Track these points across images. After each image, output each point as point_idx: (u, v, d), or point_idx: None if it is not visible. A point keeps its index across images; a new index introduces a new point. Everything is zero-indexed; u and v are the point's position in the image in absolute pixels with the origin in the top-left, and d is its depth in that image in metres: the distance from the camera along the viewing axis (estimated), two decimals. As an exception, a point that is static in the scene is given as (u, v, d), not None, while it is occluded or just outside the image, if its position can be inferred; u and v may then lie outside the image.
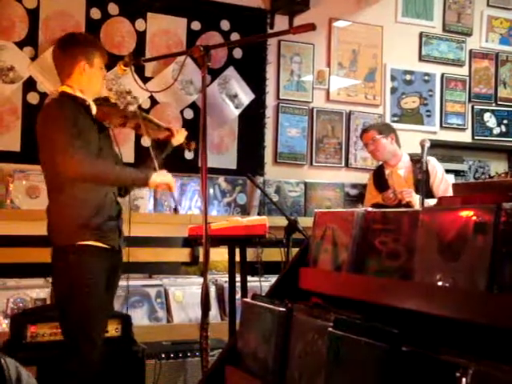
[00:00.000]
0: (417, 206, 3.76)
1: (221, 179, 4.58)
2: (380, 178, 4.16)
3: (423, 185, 3.46)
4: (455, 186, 1.67)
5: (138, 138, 4.20)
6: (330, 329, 1.39)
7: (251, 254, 3.69)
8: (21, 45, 4.07)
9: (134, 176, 2.74)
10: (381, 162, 4.23)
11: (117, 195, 2.86)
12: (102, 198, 2.72)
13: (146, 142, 2.92)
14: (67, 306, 2.68)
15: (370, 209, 1.64)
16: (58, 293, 2.75)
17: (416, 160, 4.02)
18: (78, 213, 2.66)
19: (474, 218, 1.26)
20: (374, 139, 4.04)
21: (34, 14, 4.10)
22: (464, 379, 1.07)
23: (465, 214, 1.29)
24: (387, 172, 4.11)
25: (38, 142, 2.71)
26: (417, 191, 3.84)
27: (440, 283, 1.30)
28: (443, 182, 3.95)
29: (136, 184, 2.85)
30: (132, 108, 2.89)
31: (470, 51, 5.56)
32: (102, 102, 2.83)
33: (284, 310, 1.62)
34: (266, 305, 1.71)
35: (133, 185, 2.89)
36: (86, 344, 2.64)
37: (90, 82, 2.74)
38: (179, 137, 3.02)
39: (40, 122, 2.70)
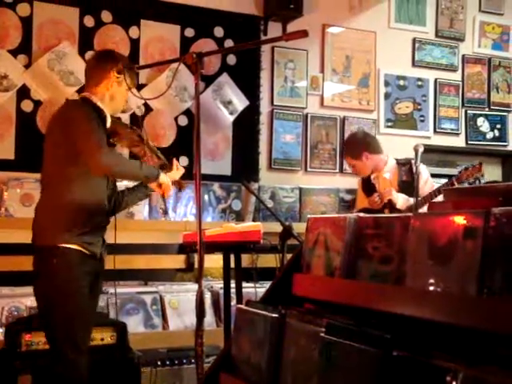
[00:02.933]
0: (398, 204, 3.84)
1: (215, 186, 4.58)
2: (367, 183, 4.22)
3: (417, 189, 3.49)
4: (446, 191, 1.67)
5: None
6: (323, 334, 1.40)
7: (246, 260, 3.69)
8: (14, 53, 4.08)
9: (148, 172, 2.78)
10: None
11: (108, 206, 2.86)
12: (94, 205, 2.74)
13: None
14: (51, 310, 2.67)
15: (361, 214, 1.65)
16: (40, 296, 2.72)
17: (402, 163, 4.09)
18: (67, 216, 2.67)
19: (464, 222, 1.27)
20: (351, 165, 4.17)
21: (27, 22, 4.11)
22: (454, 383, 1.08)
23: (455, 219, 1.29)
24: (373, 176, 4.16)
25: (47, 140, 2.75)
26: (400, 191, 3.94)
27: (431, 288, 1.31)
28: (428, 183, 3.99)
29: (150, 178, 2.83)
30: (140, 134, 2.89)
31: (463, 56, 5.59)
32: (115, 120, 2.88)
33: (277, 315, 1.63)
34: (260, 311, 1.71)
35: (145, 178, 2.86)
36: (70, 349, 2.62)
37: (113, 98, 2.81)
38: (175, 174, 3.01)
39: (57, 120, 2.74)
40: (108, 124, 2.79)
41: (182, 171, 3.06)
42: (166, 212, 3.01)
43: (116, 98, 2.82)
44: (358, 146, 4.17)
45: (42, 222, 2.72)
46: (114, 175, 2.80)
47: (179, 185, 3.08)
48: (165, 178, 2.82)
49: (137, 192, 3.02)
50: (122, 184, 3.36)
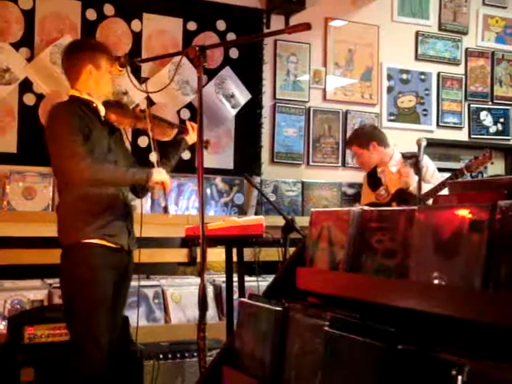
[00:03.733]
0: (412, 186, 3.80)
1: (218, 179, 4.58)
2: (373, 177, 4.20)
3: (420, 183, 3.47)
4: (451, 184, 1.66)
5: (134, 136, 4.20)
6: (327, 328, 1.39)
7: (248, 253, 3.69)
8: (16, 46, 4.06)
9: (136, 177, 2.74)
10: None
11: (127, 195, 2.86)
12: (110, 197, 2.74)
13: (153, 156, 2.87)
14: (72, 304, 2.68)
15: (365, 207, 1.64)
16: (63, 291, 2.75)
17: (407, 156, 4.06)
18: (84, 211, 2.68)
19: (470, 216, 1.26)
20: (356, 154, 4.14)
21: (29, 15, 4.10)
22: (460, 377, 1.08)
23: (460, 212, 1.29)
24: (379, 170, 4.14)
25: (47, 144, 2.74)
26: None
27: (436, 281, 1.31)
28: (434, 176, 3.98)
29: (138, 184, 2.85)
30: (142, 107, 2.89)
31: (466, 50, 5.57)
32: (111, 104, 2.86)
33: (280, 309, 1.62)
34: (263, 304, 1.71)
35: (136, 184, 2.89)
36: (89, 343, 2.62)
37: (97, 84, 2.78)
38: (194, 136, 2.96)
39: (47, 126, 2.76)
40: (102, 113, 2.77)
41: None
42: (166, 209, 2.98)
43: (100, 83, 2.79)
44: (366, 135, 4.19)
45: (62, 221, 2.73)
46: (96, 185, 2.70)
47: (205, 144, 2.98)
48: (159, 175, 2.74)
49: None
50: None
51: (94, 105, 2.76)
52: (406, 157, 4.09)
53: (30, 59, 4.08)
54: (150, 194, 4.33)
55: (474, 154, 5.65)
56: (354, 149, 4.19)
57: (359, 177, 4.80)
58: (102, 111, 2.78)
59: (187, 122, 3.02)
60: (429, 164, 4.05)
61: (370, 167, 4.18)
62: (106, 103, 2.83)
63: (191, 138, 2.98)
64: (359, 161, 4.20)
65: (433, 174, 4.00)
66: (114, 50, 4.20)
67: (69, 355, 2.69)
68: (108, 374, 2.66)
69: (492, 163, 3.66)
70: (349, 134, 5.07)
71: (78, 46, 2.86)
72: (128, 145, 3.00)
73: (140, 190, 3.02)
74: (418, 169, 3.79)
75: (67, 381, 2.68)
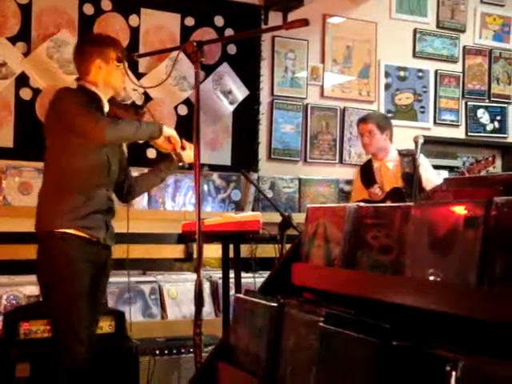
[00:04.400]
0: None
1: (215, 175, 4.57)
2: (368, 173, 4.15)
3: (416, 180, 3.47)
4: (447, 180, 1.67)
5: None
6: (322, 324, 1.39)
7: (245, 250, 3.68)
8: (13, 40, 4.05)
9: (151, 127, 2.76)
10: (369, 157, 4.23)
11: (111, 191, 2.85)
12: (92, 190, 2.71)
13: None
14: (49, 297, 2.67)
15: (361, 204, 1.64)
16: (41, 284, 2.73)
17: (404, 154, 4.04)
18: (64, 200, 2.65)
19: (465, 212, 1.26)
20: (370, 132, 4.03)
21: (26, 10, 4.08)
22: (454, 373, 1.08)
23: (456, 208, 1.29)
24: (376, 165, 4.11)
25: (47, 126, 2.74)
26: (404, 183, 3.87)
27: (431, 278, 1.31)
28: (433, 176, 3.97)
29: (153, 132, 2.78)
30: (148, 117, 2.88)
31: (464, 48, 5.57)
32: (116, 103, 2.85)
33: (276, 305, 1.62)
34: (258, 300, 1.71)
35: (150, 134, 2.80)
36: (68, 336, 2.60)
37: (107, 78, 2.77)
38: (191, 153, 2.86)
39: (53, 104, 2.73)
40: (106, 109, 2.77)
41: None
42: (184, 165, 2.93)
43: (110, 77, 2.78)
44: (387, 121, 4.19)
45: (40, 209, 2.71)
46: (114, 139, 2.71)
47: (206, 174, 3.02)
48: (169, 129, 2.78)
49: (151, 177, 3.02)
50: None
51: (101, 100, 2.76)
52: (402, 154, 4.08)
53: (26, 54, 4.07)
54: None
55: (471, 151, 5.70)
56: (370, 126, 4.04)
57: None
58: (106, 107, 2.78)
59: (183, 140, 2.94)
60: (425, 164, 4.02)
61: (372, 151, 4.10)
62: (110, 101, 2.82)
63: (188, 155, 2.91)
64: (367, 140, 4.05)
65: (431, 174, 3.98)
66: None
67: (53, 350, 2.68)
68: (90, 368, 2.65)
69: (494, 167, 3.65)
70: (346, 131, 5.07)
71: (87, 41, 2.90)
72: (125, 147, 2.98)
73: (126, 192, 2.99)
74: (414, 166, 3.79)
75: (52, 376, 2.67)
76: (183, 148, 2.91)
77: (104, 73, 2.77)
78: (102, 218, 2.75)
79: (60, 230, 2.62)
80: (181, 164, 2.99)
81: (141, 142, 3.02)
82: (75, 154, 2.67)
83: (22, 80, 4.06)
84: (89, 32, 4.16)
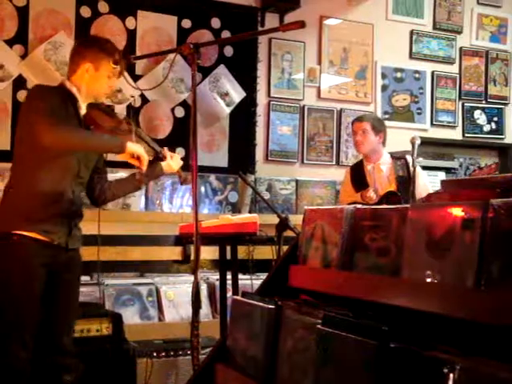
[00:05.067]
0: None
1: (212, 177, 4.57)
2: (359, 175, 4.09)
3: (414, 181, 3.47)
4: (444, 182, 1.67)
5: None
6: (319, 326, 1.39)
7: (242, 251, 3.68)
8: (10, 43, 4.05)
9: (111, 142, 2.63)
10: (361, 158, 4.21)
11: (78, 194, 2.76)
12: (56, 193, 2.64)
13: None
14: None
15: (359, 206, 1.64)
16: None
17: (397, 157, 4.04)
18: (25, 202, 2.60)
19: (462, 214, 1.27)
20: (364, 131, 4.02)
21: (23, 12, 4.08)
22: (451, 375, 1.08)
23: (453, 210, 1.29)
24: (369, 167, 4.06)
25: (18, 122, 2.69)
26: (398, 187, 3.85)
27: (428, 279, 1.31)
28: (425, 190, 3.92)
29: (111, 148, 2.66)
30: (128, 122, 2.77)
31: (461, 49, 5.58)
32: (99, 108, 2.77)
33: (273, 307, 1.62)
34: (256, 302, 1.71)
35: (107, 148, 2.71)
36: (12, 339, 2.54)
37: (90, 84, 2.72)
38: (172, 164, 2.86)
39: (25, 99, 2.72)
40: (82, 111, 2.70)
41: (179, 161, 2.91)
42: (185, 180, 2.89)
43: (94, 84, 2.71)
44: (383, 124, 4.17)
45: (0, 209, 2.65)
46: (63, 146, 2.59)
47: (180, 177, 2.92)
48: (134, 147, 2.60)
49: (125, 183, 2.93)
50: (112, 175, 3.32)
51: (78, 102, 2.69)
52: (394, 157, 4.06)
53: (24, 56, 4.07)
54: (144, 192, 4.34)
55: (467, 152, 5.71)
56: (364, 125, 4.03)
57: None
58: (83, 110, 2.71)
59: (165, 149, 2.89)
60: (421, 175, 3.96)
61: (364, 151, 4.07)
62: (93, 105, 2.75)
63: (168, 165, 2.85)
64: (360, 138, 4.02)
65: (425, 187, 3.91)
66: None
67: None
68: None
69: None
70: (343, 132, 5.08)
71: (86, 42, 2.85)
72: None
73: (97, 196, 2.90)
74: (407, 170, 3.78)
75: None
76: (162, 159, 2.84)
77: (89, 78, 2.71)
78: (65, 221, 2.66)
79: (17, 232, 2.55)
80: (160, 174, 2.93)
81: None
82: (41, 155, 2.60)
83: (20, 82, 4.05)
84: (87, 34, 4.16)
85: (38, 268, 2.59)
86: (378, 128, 4.06)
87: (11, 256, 2.57)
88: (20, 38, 4.07)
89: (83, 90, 2.72)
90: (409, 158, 3.90)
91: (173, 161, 2.88)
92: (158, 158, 2.86)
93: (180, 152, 4.42)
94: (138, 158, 2.62)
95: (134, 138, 2.70)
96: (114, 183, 2.95)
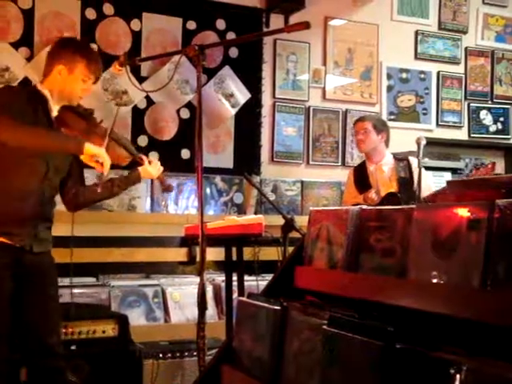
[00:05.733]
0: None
1: (217, 178, 4.58)
2: (361, 176, 4.09)
3: (420, 182, 3.46)
4: (450, 182, 1.67)
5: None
6: (325, 327, 1.39)
7: (248, 252, 3.68)
8: (16, 45, 4.06)
9: (68, 141, 2.56)
10: (363, 159, 4.21)
11: (49, 196, 2.70)
12: (19, 195, 2.59)
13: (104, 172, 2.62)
14: None
15: (364, 206, 1.64)
16: None
17: (399, 158, 4.03)
18: None
19: (468, 214, 1.26)
20: (365, 130, 4.03)
21: (28, 15, 4.10)
22: (458, 376, 1.07)
23: (459, 210, 1.29)
24: (371, 168, 4.06)
25: None
26: (399, 188, 3.85)
27: (434, 280, 1.30)
28: (428, 190, 3.91)
29: (69, 148, 2.59)
30: (101, 126, 2.70)
31: (466, 49, 5.57)
32: (74, 111, 2.70)
33: (279, 308, 1.62)
34: (262, 303, 1.71)
35: (65, 148, 2.62)
36: None
37: (62, 87, 2.65)
38: (151, 170, 2.80)
39: None
40: (53, 113, 2.65)
41: (158, 168, 2.82)
42: (167, 187, 2.84)
43: (66, 87, 2.64)
44: (384, 124, 4.19)
45: None
46: (16, 143, 2.49)
47: (161, 183, 2.85)
48: (95, 149, 2.52)
49: (101, 189, 2.81)
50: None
51: (48, 104, 2.65)
52: (397, 158, 4.05)
53: (29, 58, 4.08)
54: (150, 194, 4.34)
55: (473, 153, 5.69)
56: (366, 124, 4.04)
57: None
58: (54, 112, 2.66)
59: (141, 155, 2.82)
60: (426, 177, 3.96)
61: (365, 150, 4.07)
62: (67, 107, 2.68)
63: (146, 171, 2.79)
64: (362, 138, 4.03)
65: (428, 187, 3.91)
66: (113, 49, 4.26)
67: None
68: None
69: (493, 174, 3.63)
70: (348, 133, 5.07)
71: (62, 43, 2.73)
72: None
73: (69, 200, 2.84)
74: (409, 171, 3.77)
75: None
76: (142, 163, 2.78)
77: (62, 80, 2.64)
78: (30, 224, 2.61)
79: None
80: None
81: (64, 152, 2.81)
82: (7, 158, 2.56)
83: (25, 85, 4.06)
84: (92, 36, 4.18)
85: (3, 269, 2.55)
86: (380, 128, 4.06)
87: None
88: (25, 41, 4.09)
89: (55, 92, 2.66)
90: (412, 159, 3.90)
91: (151, 167, 2.82)
92: (136, 164, 2.78)
93: (185, 153, 4.44)
94: (97, 161, 2.54)
95: (106, 142, 2.63)
96: (90, 188, 2.85)
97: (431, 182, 3.99)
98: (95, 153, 2.53)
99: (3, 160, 2.57)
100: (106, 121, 2.77)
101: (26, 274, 2.64)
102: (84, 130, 2.66)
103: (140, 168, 2.80)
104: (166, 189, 2.90)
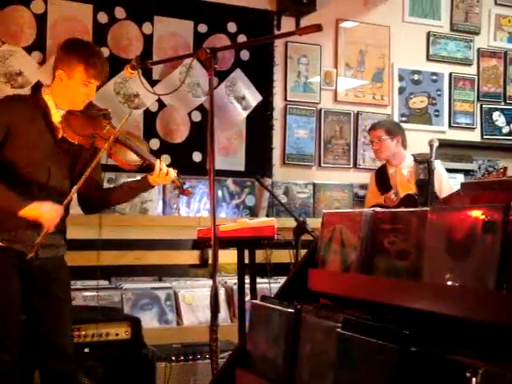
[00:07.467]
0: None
1: (229, 181, 4.58)
2: (382, 178, 4.15)
3: (432, 184, 3.45)
4: (464, 184, 1.66)
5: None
6: (339, 330, 1.39)
7: (260, 255, 3.68)
8: (29, 50, 4.09)
9: (11, 201, 2.54)
10: (383, 162, 4.23)
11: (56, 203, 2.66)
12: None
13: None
14: None
15: (378, 209, 1.64)
16: None
17: (420, 160, 4.03)
18: None
19: (483, 217, 1.25)
20: (380, 139, 4.04)
21: (41, 19, 4.12)
22: (474, 379, 1.07)
23: (473, 213, 1.28)
24: (391, 171, 4.11)
25: None
26: (418, 190, 3.85)
27: (449, 283, 1.30)
28: (448, 188, 3.92)
29: (11, 207, 2.55)
30: (109, 129, 2.65)
31: (478, 50, 5.54)
32: (80, 112, 2.68)
33: (293, 311, 1.62)
34: (275, 306, 1.71)
35: (6, 207, 2.57)
36: None
37: (64, 92, 2.63)
38: (158, 179, 2.70)
39: None
40: (56, 119, 2.65)
41: (172, 173, 2.73)
42: (185, 191, 2.81)
43: (67, 92, 2.62)
44: (398, 126, 4.22)
45: None
46: None
47: (182, 190, 2.79)
48: (34, 209, 2.50)
49: (119, 192, 2.84)
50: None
51: (48, 108, 2.64)
52: (417, 160, 4.05)
53: (42, 63, 4.11)
54: (162, 196, 4.36)
55: (486, 154, 5.65)
56: (379, 132, 4.07)
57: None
58: (57, 117, 2.65)
59: (154, 160, 2.71)
60: (443, 174, 4.00)
61: (384, 158, 4.13)
62: (75, 111, 2.66)
63: (153, 179, 2.70)
64: (378, 147, 4.07)
65: (446, 180, 3.96)
66: (125, 52, 4.27)
67: None
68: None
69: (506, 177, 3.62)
70: (360, 135, 5.06)
71: (64, 47, 2.68)
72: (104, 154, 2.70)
73: (84, 203, 2.84)
74: (429, 172, 3.76)
75: None
76: (150, 170, 2.70)
77: (63, 86, 2.62)
78: (32, 231, 2.58)
79: None
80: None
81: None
82: (8, 167, 2.58)
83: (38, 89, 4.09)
84: (104, 40, 4.20)
85: (11, 273, 2.59)
86: (394, 132, 4.06)
87: None
88: (38, 45, 4.11)
89: (58, 97, 2.66)
90: (436, 162, 3.87)
91: (159, 177, 2.70)
92: (145, 169, 2.72)
93: (197, 156, 4.45)
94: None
95: (108, 146, 2.60)
96: (109, 191, 2.88)
97: (449, 186, 3.98)
98: (32, 215, 2.51)
99: (6, 170, 2.58)
100: (118, 124, 2.74)
101: (33, 277, 2.66)
102: (88, 135, 2.65)
103: (150, 176, 2.73)
104: (183, 193, 2.83)
